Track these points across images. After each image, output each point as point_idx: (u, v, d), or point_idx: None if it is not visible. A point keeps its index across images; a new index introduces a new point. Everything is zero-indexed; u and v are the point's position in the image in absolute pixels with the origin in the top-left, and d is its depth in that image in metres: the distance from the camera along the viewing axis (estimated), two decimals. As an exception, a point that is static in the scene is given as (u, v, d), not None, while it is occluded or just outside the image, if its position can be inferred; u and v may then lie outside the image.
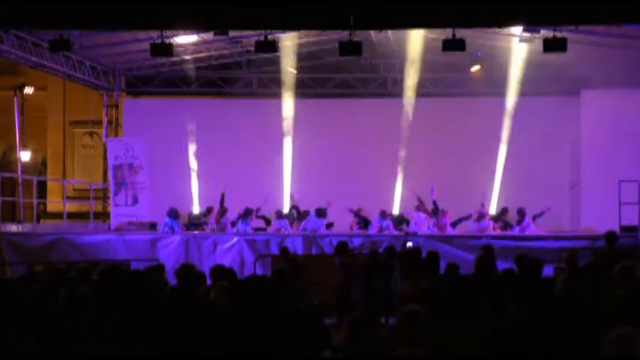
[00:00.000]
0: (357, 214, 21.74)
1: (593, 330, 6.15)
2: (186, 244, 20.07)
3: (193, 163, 25.02)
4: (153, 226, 23.06)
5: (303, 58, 25.44)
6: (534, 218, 21.35)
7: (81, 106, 27.84)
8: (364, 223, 21.53)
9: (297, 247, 19.58)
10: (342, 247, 16.57)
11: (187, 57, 24.63)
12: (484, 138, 23.87)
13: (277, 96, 25.31)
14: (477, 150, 24.03)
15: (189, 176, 24.82)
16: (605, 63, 22.33)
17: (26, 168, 28.09)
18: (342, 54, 19.52)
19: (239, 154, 25.01)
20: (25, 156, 28.51)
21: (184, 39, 22.46)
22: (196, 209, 24.13)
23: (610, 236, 15.03)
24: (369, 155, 24.71)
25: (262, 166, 24.46)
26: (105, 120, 26.89)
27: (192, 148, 25.08)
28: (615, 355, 4.76)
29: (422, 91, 25.04)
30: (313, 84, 26.14)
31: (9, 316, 7.81)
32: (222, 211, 22.39)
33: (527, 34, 20.93)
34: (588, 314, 7.08)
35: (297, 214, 22.66)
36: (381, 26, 19.88)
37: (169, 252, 19.86)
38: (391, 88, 25.96)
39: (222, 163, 24.81)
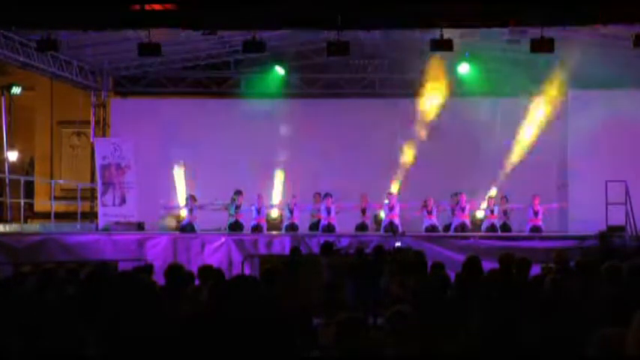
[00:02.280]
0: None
1: (580, 330, 6.18)
2: (174, 244, 20.04)
3: (180, 163, 24.99)
4: (140, 226, 23.02)
5: (291, 58, 25.47)
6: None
7: (68, 106, 27.80)
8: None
9: (285, 246, 19.57)
10: (328, 247, 16.58)
11: (175, 57, 24.65)
12: (472, 138, 23.93)
13: (265, 96, 25.33)
14: (465, 150, 24.08)
15: (176, 176, 24.80)
16: (592, 64, 22.38)
17: (14, 168, 27.99)
18: (330, 54, 19.53)
19: (227, 154, 24.97)
20: (12, 156, 28.40)
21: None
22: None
23: (603, 235, 15.07)
24: (356, 155, 24.70)
25: (250, 165, 24.46)
26: (92, 120, 26.83)
27: (179, 148, 25.05)
28: (601, 356, 4.78)
29: (409, 92, 25.14)
30: (301, 84, 26.13)
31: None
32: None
33: (514, 35, 20.97)
34: (576, 314, 7.11)
35: None
36: (368, 27, 19.89)
37: (157, 252, 19.81)
38: (379, 89, 25.99)
39: (210, 164, 24.80)
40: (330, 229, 21.80)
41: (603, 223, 19.56)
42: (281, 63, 25.21)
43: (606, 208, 19.87)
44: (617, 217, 19.71)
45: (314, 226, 22.51)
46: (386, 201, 22.34)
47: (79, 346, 6.42)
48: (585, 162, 23.07)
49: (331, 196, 22.34)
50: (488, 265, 11.50)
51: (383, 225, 22.04)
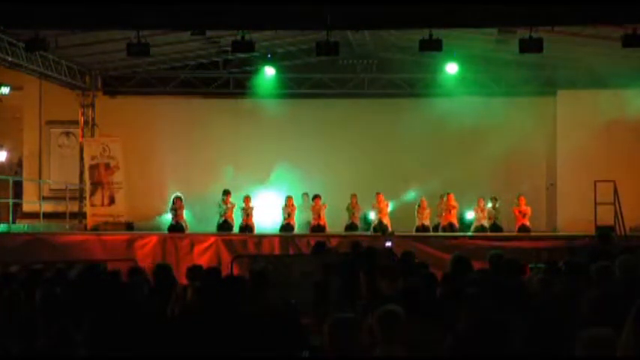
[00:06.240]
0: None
1: (568, 330, 6.17)
2: (163, 244, 20.01)
3: (169, 163, 24.94)
4: (129, 226, 22.96)
5: (280, 58, 25.47)
6: None
7: (57, 105, 27.62)
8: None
9: (274, 247, 19.57)
10: (319, 247, 16.56)
11: (164, 57, 24.59)
12: (461, 138, 23.93)
13: (254, 96, 25.31)
14: (453, 150, 24.09)
15: (165, 176, 24.74)
16: (581, 64, 22.44)
17: (2, 168, 27.90)
18: (319, 54, 19.52)
19: (215, 154, 24.94)
20: (0, 156, 28.31)
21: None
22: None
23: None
24: (345, 155, 24.69)
25: (239, 165, 24.43)
26: (81, 120, 26.76)
27: (168, 149, 25.02)
28: (588, 356, 4.77)
29: (399, 92, 25.18)
30: (290, 84, 26.10)
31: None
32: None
33: (503, 35, 20.98)
34: (564, 314, 7.10)
35: None
36: (357, 27, 19.90)
37: (146, 252, 19.79)
38: (368, 89, 25.97)
39: (199, 163, 24.76)
40: (319, 229, 21.79)
41: (592, 223, 19.60)
42: (270, 63, 25.20)
43: (595, 208, 19.92)
44: (606, 217, 19.76)
45: (302, 227, 22.55)
46: (374, 202, 22.36)
47: (68, 347, 6.39)
48: (574, 162, 23.09)
49: (320, 197, 22.34)
50: (477, 265, 11.50)
51: (372, 225, 22.04)
